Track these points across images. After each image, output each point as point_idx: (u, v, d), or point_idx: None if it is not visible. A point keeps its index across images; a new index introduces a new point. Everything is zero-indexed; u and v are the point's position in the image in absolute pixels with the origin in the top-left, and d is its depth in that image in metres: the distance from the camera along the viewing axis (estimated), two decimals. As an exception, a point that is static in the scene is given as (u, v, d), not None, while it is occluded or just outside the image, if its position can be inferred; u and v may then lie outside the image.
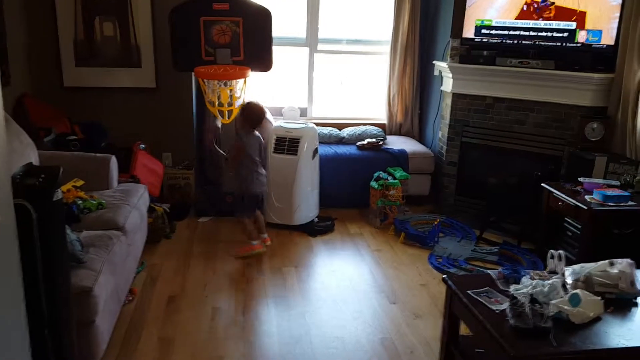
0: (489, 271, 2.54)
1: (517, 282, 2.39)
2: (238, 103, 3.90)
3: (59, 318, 1.89)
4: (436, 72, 4.86)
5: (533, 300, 2.11)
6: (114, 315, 2.61)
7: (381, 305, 3.13)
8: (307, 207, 4.13)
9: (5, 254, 1.20)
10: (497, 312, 2.17)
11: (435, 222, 3.99)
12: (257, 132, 3.69)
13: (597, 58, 3.85)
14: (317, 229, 4.11)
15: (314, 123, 4.91)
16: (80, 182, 3.22)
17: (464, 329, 2.51)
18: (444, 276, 2.46)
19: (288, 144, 4.04)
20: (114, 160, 3.52)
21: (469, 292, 2.30)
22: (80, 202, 3.02)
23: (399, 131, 5.31)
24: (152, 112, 4.46)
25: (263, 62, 4.04)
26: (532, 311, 2.08)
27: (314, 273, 3.51)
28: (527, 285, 2.31)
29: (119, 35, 4.26)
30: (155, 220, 3.77)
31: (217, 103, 3.84)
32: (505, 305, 2.19)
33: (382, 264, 3.66)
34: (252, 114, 3.65)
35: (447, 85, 4.58)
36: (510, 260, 3.71)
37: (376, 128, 4.97)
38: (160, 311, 2.95)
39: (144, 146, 4.24)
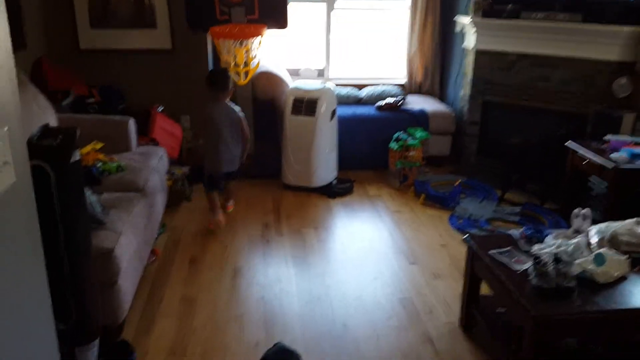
0: (511, 231, 2.50)
1: (540, 241, 2.36)
2: (254, 63, 3.84)
3: (81, 279, 1.91)
4: (458, 28, 4.70)
5: (557, 259, 2.07)
6: (137, 276, 2.65)
7: (400, 266, 3.12)
8: (325, 169, 4.10)
9: (24, 216, 1.20)
10: (519, 272, 2.14)
11: (456, 183, 3.93)
12: (229, 103, 3.51)
13: (627, 10, 3.67)
14: (336, 190, 4.09)
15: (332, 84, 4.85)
16: (99, 145, 3.22)
17: (484, 289, 2.49)
18: (465, 236, 2.44)
19: (306, 105, 3.98)
20: (132, 123, 3.51)
21: (490, 252, 2.28)
22: (100, 164, 3.04)
23: (419, 90, 5.20)
24: (168, 74, 4.42)
25: (278, 19, 3.94)
26: (555, 271, 2.04)
27: (333, 234, 3.51)
28: (550, 245, 2.26)
29: (132, -6, 4.19)
30: (175, 183, 3.78)
31: (232, 64, 3.78)
32: (528, 265, 2.16)
33: (402, 225, 3.64)
34: (210, 77, 3.48)
35: (470, 41, 4.44)
36: (532, 221, 3.66)
37: (396, 87, 4.88)
38: (183, 272, 2.98)
39: (162, 108, 4.22)
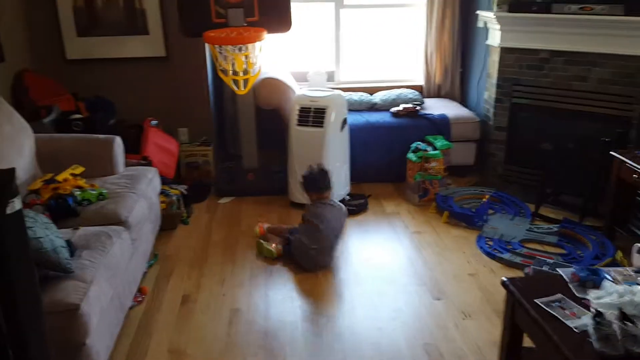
0: (559, 270, 2.08)
1: (597, 286, 1.94)
2: (255, 70, 3.46)
3: (26, 344, 1.54)
4: (480, 24, 4.27)
5: (623, 316, 1.65)
6: (116, 327, 2.28)
7: (423, 301, 2.71)
8: (336, 184, 3.65)
9: None
10: (575, 330, 1.72)
11: (484, 199, 3.50)
12: (331, 201, 3.17)
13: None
14: (349, 208, 3.66)
15: (343, 88, 4.46)
16: (79, 169, 2.86)
17: (528, 340, 2.07)
18: (504, 279, 2.01)
19: (313, 115, 3.58)
20: (118, 142, 3.14)
21: (537, 301, 1.85)
22: (78, 192, 2.67)
23: (438, 93, 4.77)
24: (163, 83, 4.06)
25: (281, 21, 3.55)
26: (622, 331, 1.63)
27: (346, 262, 3.09)
28: (610, 291, 1.84)
29: (121, -1, 3.83)
30: (170, 206, 3.41)
31: (231, 72, 3.40)
32: (585, 320, 1.74)
33: (423, 249, 3.22)
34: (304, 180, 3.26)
35: (494, 38, 4.00)
36: (573, 241, 3.22)
37: (412, 91, 4.45)
38: (172, 315, 2.60)
39: (155, 122, 3.86)
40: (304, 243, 2.97)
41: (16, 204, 1.47)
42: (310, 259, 2.97)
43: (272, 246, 3.10)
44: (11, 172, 1.48)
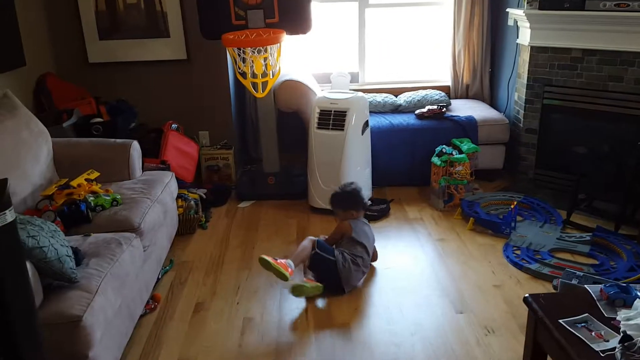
0: (586, 287, 1.93)
1: (627, 304, 1.79)
2: (274, 72, 3.39)
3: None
4: (510, 22, 4.10)
5: (656, 341, 1.51)
6: (124, 337, 2.24)
7: (445, 314, 2.58)
8: (357, 189, 3.59)
9: None
10: (601, 355, 1.58)
11: (512, 206, 3.34)
12: (365, 220, 3.02)
13: None
14: (370, 213, 3.57)
15: (367, 89, 4.38)
16: (94, 174, 2.85)
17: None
18: (527, 295, 1.88)
19: (333, 118, 3.49)
20: (135, 146, 3.12)
21: (561, 321, 1.72)
22: (92, 198, 2.65)
23: (466, 94, 4.61)
24: (185, 86, 4.04)
25: (301, 22, 3.47)
26: (655, 358, 1.49)
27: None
28: (642, 311, 1.70)
29: (142, 2, 3.82)
30: (187, 211, 3.37)
31: (249, 74, 3.34)
32: (613, 343, 1.60)
33: (447, 257, 3.09)
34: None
35: (525, 36, 3.83)
36: (606, 251, 3.04)
37: (439, 92, 4.30)
38: (185, 323, 2.55)
39: (176, 126, 3.83)
40: (357, 265, 2.76)
41: (8, 216, 1.43)
42: (352, 282, 2.77)
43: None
44: (3, 183, 1.44)
